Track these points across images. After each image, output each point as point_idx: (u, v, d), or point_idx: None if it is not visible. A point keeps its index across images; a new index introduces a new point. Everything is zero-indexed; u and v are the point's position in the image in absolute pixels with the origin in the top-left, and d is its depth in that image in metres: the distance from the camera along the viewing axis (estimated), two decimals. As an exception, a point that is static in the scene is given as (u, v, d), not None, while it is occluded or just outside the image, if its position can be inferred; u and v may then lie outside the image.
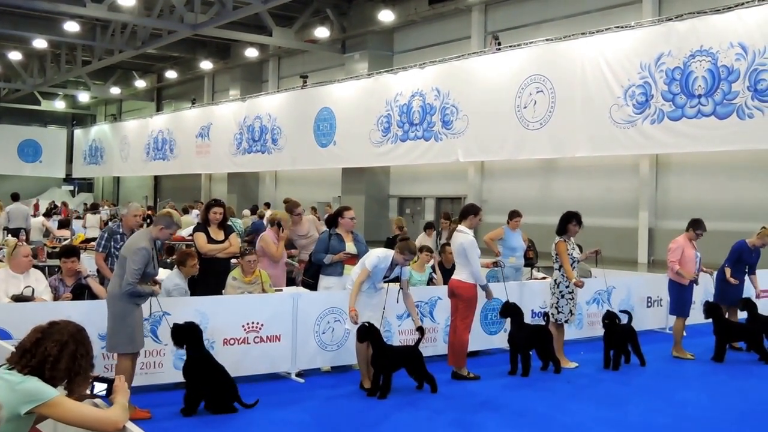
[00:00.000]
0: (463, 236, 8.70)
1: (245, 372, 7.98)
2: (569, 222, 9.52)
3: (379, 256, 8.01)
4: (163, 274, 8.92)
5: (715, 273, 11.19)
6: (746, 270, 11.12)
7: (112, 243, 8.61)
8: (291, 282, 10.48)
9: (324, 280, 9.06)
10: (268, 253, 9.78)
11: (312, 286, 9.26)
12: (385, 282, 8.23)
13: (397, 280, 8.26)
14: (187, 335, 7.02)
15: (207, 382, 7.00)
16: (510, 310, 9.16)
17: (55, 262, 11.26)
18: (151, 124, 41.19)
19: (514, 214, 12.34)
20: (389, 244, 12.74)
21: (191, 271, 8.64)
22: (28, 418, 3.54)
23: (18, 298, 7.68)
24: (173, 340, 7.05)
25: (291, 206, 10.83)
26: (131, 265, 6.69)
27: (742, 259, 11.01)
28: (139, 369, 7.46)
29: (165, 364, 7.66)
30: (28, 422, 3.57)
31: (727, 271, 10.86)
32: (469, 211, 8.94)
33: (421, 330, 8.18)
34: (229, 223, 10.10)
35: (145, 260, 6.73)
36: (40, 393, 3.53)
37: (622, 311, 9.98)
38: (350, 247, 9.02)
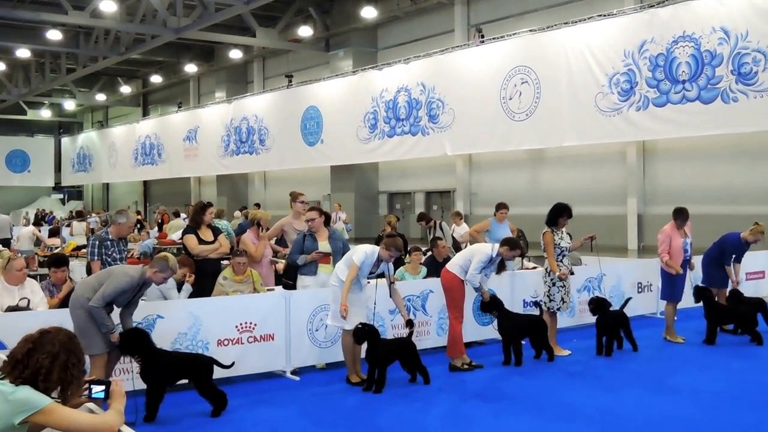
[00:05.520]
0: (485, 247, 9.07)
1: (240, 372, 8.00)
2: (560, 216, 9.58)
3: (366, 252, 8.08)
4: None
5: (701, 257, 11.24)
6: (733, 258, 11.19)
7: (104, 250, 8.65)
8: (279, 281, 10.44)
9: (300, 280, 9.12)
10: (249, 253, 9.76)
11: (291, 287, 9.24)
12: (370, 277, 8.31)
13: (382, 275, 8.32)
14: (137, 342, 6.76)
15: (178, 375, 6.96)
16: (491, 305, 9.19)
17: (46, 270, 11.24)
18: (138, 129, 41.10)
19: (500, 206, 12.48)
20: (380, 242, 12.70)
21: (180, 276, 8.69)
22: (22, 428, 3.54)
23: (13, 310, 7.61)
24: (122, 351, 6.77)
25: (295, 194, 10.58)
26: (107, 286, 6.55)
27: (736, 252, 11.07)
28: (137, 373, 7.46)
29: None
30: None
31: (730, 272, 10.86)
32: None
33: (410, 323, 8.24)
34: (213, 223, 10.14)
35: (122, 289, 6.58)
36: (34, 401, 3.53)
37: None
38: (323, 246, 9.06)
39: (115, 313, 6.92)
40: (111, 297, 6.58)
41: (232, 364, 7.33)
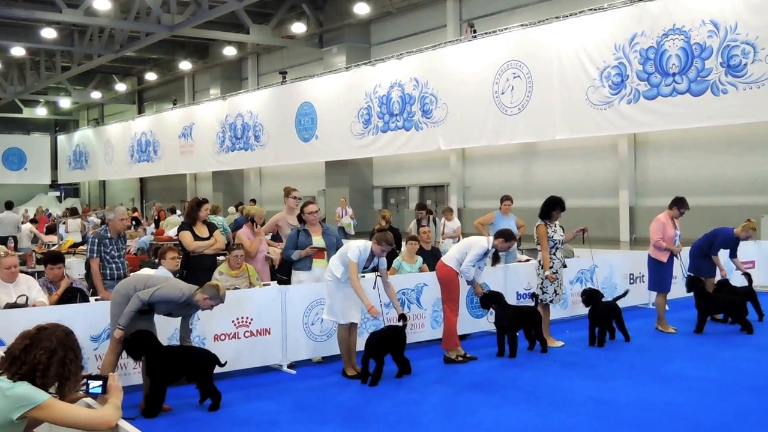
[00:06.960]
0: (481, 240, 9.12)
1: (237, 366, 8.11)
2: (553, 209, 9.67)
3: (359, 247, 8.18)
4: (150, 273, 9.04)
5: (688, 249, 11.33)
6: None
7: (102, 248, 8.75)
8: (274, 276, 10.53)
9: (295, 275, 9.23)
10: (244, 248, 9.85)
11: (286, 282, 9.34)
12: (364, 272, 8.42)
13: (375, 270, 8.43)
14: (143, 345, 6.82)
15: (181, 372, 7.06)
16: (491, 299, 9.31)
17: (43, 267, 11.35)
18: (134, 126, 41.07)
19: (504, 199, 12.75)
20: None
21: (172, 264, 8.78)
22: (20, 424, 3.58)
23: (12, 307, 7.63)
24: (128, 353, 6.84)
25: (288, 190, 10.65)
26: (159, 288, 6.71)
27: (726, 246, 11.17)
28: (131, 369, 7.57)
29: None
30: (20, 427, 3.61)
31: (717, 261, 10.98)
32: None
33: (403, 317, 8.34)
34: (209, 220, 10.25)
35: (168, 298, 6.74)
36: (32, 397, 3.56)
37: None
38: (317, 241, 9.14)
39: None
40: (155, 299, 6.72)
41: (225, 362, 7.42)
